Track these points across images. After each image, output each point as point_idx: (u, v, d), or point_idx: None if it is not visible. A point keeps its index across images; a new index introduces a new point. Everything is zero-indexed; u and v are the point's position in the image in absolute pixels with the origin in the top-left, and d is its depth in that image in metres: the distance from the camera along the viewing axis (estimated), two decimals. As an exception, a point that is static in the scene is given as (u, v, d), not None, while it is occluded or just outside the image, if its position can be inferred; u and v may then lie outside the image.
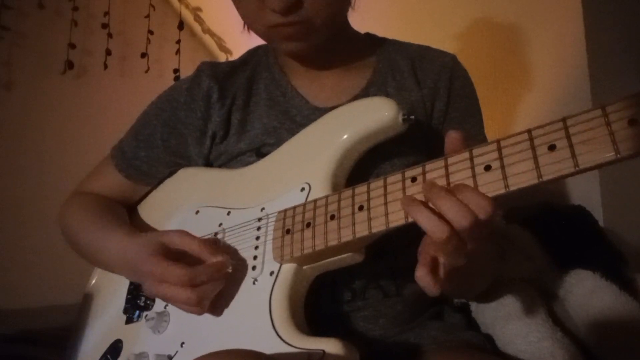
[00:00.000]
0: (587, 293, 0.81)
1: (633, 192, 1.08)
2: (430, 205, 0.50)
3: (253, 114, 0.79)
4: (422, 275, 0.52)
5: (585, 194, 1.16)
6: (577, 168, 0.44)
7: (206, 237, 0.72)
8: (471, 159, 0.51)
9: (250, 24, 0.73)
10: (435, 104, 0.78)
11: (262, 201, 0.70)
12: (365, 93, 0.78)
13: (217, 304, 0.66)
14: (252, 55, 0.86)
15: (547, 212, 1.07)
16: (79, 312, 0.86)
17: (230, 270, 0.65)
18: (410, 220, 0.53)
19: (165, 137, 0.82)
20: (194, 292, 0.62)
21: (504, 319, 0.77)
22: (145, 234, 0.73)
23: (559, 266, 0.91)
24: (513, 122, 1.33)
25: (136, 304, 0.76)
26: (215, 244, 0.69)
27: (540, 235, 0.97)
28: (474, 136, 0.79)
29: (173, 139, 0.82)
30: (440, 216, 0.49)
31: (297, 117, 0.77)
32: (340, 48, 0.79)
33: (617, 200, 1.13)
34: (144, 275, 0.67)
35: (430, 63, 0.80)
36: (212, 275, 0.63)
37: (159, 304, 0.74)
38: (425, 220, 0.49)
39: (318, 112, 0.74)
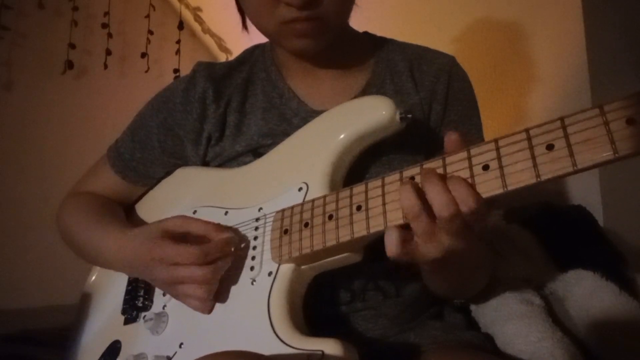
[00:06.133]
0: (587, 293, 0.81)
1: (633, 192, 1.08)
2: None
3: (249, 115, 0.79)
4: (390, 232, 0.52)
5: (585, 194, 1.16)
6: (575, 167, 0.44)
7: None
8: (469, 158, 0.51)
9: (258, 20, 0.72)
10: (433, 106, 0.78)
11: (259, 201, 0.70)
12: (363, 96, 0.77)
13: (216, 301, 0.66)
14: (248, 55, 0.85)
15: (547, 212, 1.07)
16: (78, 312, 0.86)
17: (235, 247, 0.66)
18: (408, 220, 0.53)
19: (161, 139, 0.82)
20: (208, 269, 0.63)
21: (504, 319, 0.77)
22: (144, 226, 0.73)
23: (559, 266, 0.91)
24: (513, 122, 1.33)
25: (134, 304, 0.76)
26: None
27: (540, 235, 0.97)
28: (473, 139, 0.79)
29: (169, 140, 0.82)
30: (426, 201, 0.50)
31: (294, 119, 0.77)
32: (340, 47, 0.78)
33: (617, 200, 1.13)
34: (152, 262, 0.67)
35: (428, 65, 0.80)
36: (223, 249, 0.64)
37: (157, 305, 0.74)
38: (403, 194, 0.51)
39: (315, 115, 0.73)
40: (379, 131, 0.66)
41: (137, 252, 0.69)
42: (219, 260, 0.64)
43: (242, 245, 0.68)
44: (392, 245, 0.51)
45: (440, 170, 0.52)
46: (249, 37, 0.83)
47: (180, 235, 0.67)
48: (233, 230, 0.68)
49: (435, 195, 0.49)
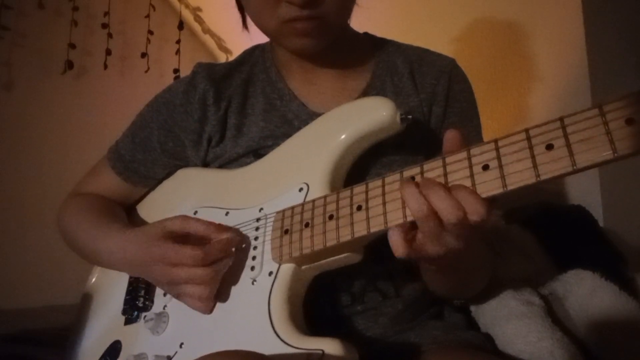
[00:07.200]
0: (587, 293, 0.81)
1: (633, 192, 1.08)
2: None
3: (250, 117, 0.79)
4: (394, 233, 0.52)
5: (585, 193, 1.16)
6: (574, 167, 0.44)
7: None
8: (469, 158, 0.51)
9: (259, 19, 0.72)
10: (433, 108, 0.78)
11: (260, 201, 0.70)
12: (363, 97, 0.77)
13: (217, 301, 0.66)
14: (248, 55, 0.85)
15: (547, 212, 1.07)
16: (78, 312, 0.86)
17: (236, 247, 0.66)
18: (408, 219, 0.53)
19: (162, 140, 0.82)
20: (210, 269, 0.63)
21: (504, 319, 0.77)
22: (144, 226, 0.73)
23: (558, 266, 0.91)
24: (513, 122, 1.33)
25: (135, 304, 0.76)
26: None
27: (540, 235, 0.97)
28: (472, 141, 0.79)
29: (170, 142, 0.82)
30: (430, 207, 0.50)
31: (295, 121, 0.76)
32: (340, 48, 0.78)
33: (617, 200, 1.13)
34: (153, 263, 0.67)
35: (428, 67, 0.79)
36: (223, 249, 0.64)
37: (157, 305, 0.74)
38: (408, 195, 0.51)
39: (316, 117, 0.73)
40: (380, 132, 0.66)
41: (137, 252, 0.69)
42: (220, 261, 0.64)
43: (243, 245, 0.68)
44: (398, 246, 0.52)
45: (440, 170, 0.52)
46: (249, 37, 0.82)
47: (180, 235, 0.67)
48: (234, 230, 0.68)
49: (440, 201, 0.49)
